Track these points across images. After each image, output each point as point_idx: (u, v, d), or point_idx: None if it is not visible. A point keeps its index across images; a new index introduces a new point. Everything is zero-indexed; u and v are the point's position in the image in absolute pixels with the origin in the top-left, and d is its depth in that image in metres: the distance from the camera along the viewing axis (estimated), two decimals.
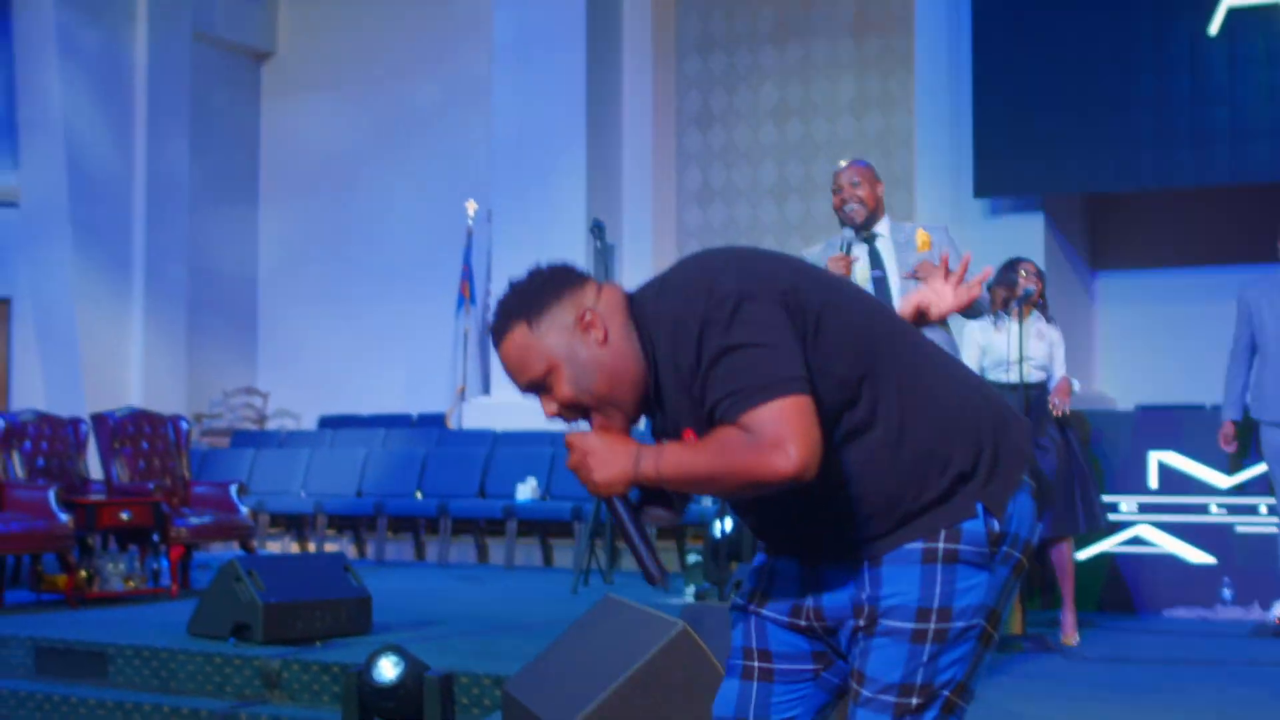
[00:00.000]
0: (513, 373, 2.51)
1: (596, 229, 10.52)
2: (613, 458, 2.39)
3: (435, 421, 14.97)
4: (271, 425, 16.49)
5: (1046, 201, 12.27)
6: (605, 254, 10.59)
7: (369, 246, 16.63)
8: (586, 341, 2.46)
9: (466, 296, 15.20)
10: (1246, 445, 8.20)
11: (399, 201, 16.49)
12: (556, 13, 14.59)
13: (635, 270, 13.78)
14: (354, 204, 16.80)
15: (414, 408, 15.65)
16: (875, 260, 6.04)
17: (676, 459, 2.33)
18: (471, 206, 15.20)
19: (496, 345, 2.52)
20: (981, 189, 12.09)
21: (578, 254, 14.45)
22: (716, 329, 2.31)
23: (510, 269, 14.56)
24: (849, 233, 6.05)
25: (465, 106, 16.07)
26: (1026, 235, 12.07)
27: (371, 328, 16.48)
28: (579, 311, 2.47)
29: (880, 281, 6.01)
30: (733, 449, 2.27)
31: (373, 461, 13.14)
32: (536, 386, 2.49)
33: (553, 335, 2.47)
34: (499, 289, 14.54)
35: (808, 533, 2.50)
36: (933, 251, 5.98)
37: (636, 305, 2.51)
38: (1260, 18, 11.06)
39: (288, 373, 16.91)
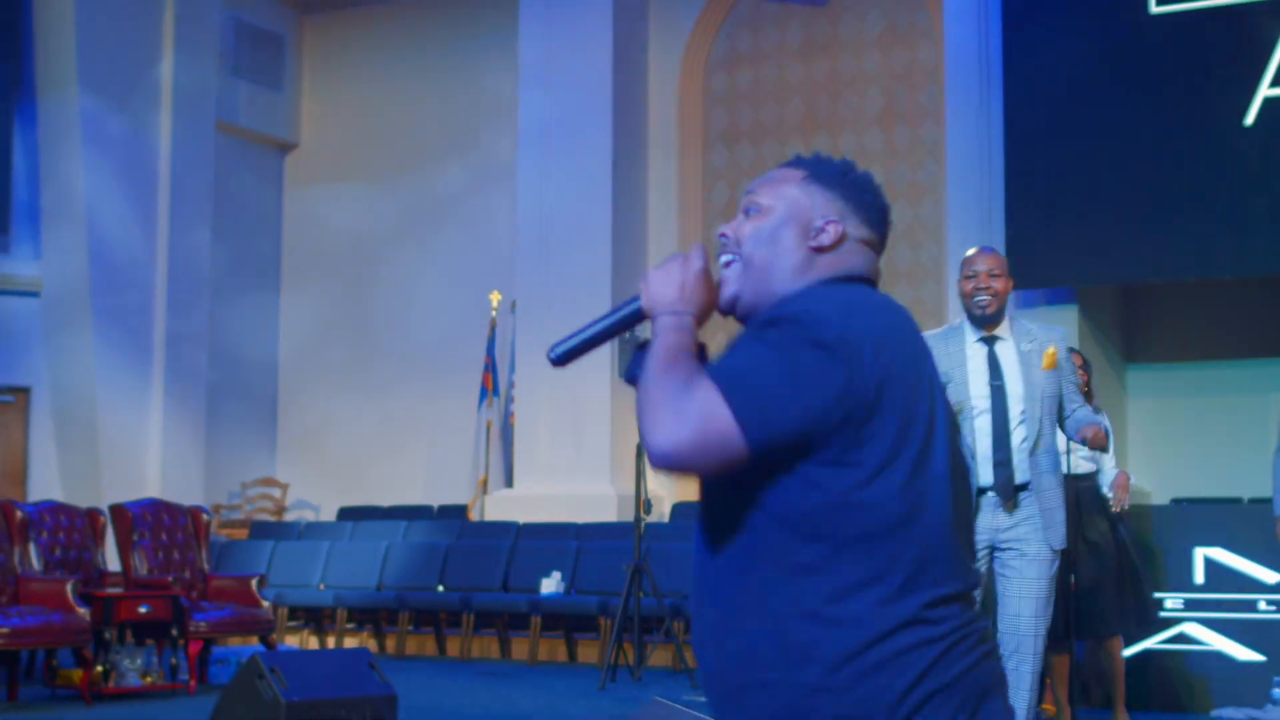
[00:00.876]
0: (756, 185, 2.42)
1: None
2: (668, 281, 2.29)
3: (457, 513, 14.77)
4: (290, 517, 16.29)
5: (1080, 293, 12.10)
6: (635, 342, 10.40)
7: (391, 334, 16.51)
8: (809, 232, 2.35)
9: (489, 388, 15.07)
10: None
11: (422, 289, 16.38)
12: (583, 99, 14.56)
13: None
14: (376, 291, 16.70)
15: (434, 499, 15.45)
16: (994, 368, 5.65)
17: (663, 344, 2.21)
18: (495, 297, 15.09)
19: (783, 164, 2.44)
20: (1015, 281, 11.89)
21: (603, 345, 14.30)
22: (768, 325, 2.17)
23: (534, 361, 14.47)
24: (968, 327, 5.73)
25: (490, 191, 16.00)
26: (1061, 325, 11.85)
27: (392, 418, 16.32)
28: (831, 216, 2.35)
29: (999, 391, 5.64)
30: (671, 383, 2.11)
31: (394, 553, 12.93)
32: (746, 208, 2.39)
33: (800, 198, 2.36)
34: (523, 380, 14.52)
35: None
36: (1054, 373, 5.63)
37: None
38: None
39: (307, 463, 16.74)
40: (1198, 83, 11.29)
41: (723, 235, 2.40)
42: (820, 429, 2.10)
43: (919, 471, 2.17)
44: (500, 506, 14.35)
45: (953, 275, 12.47)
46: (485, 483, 14.78)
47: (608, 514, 13.81)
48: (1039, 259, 11.79)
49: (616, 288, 14.35)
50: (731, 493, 2.20)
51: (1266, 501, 7.98)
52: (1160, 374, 12.84)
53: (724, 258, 2.39)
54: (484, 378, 15.06)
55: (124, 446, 15.04)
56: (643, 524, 10.51)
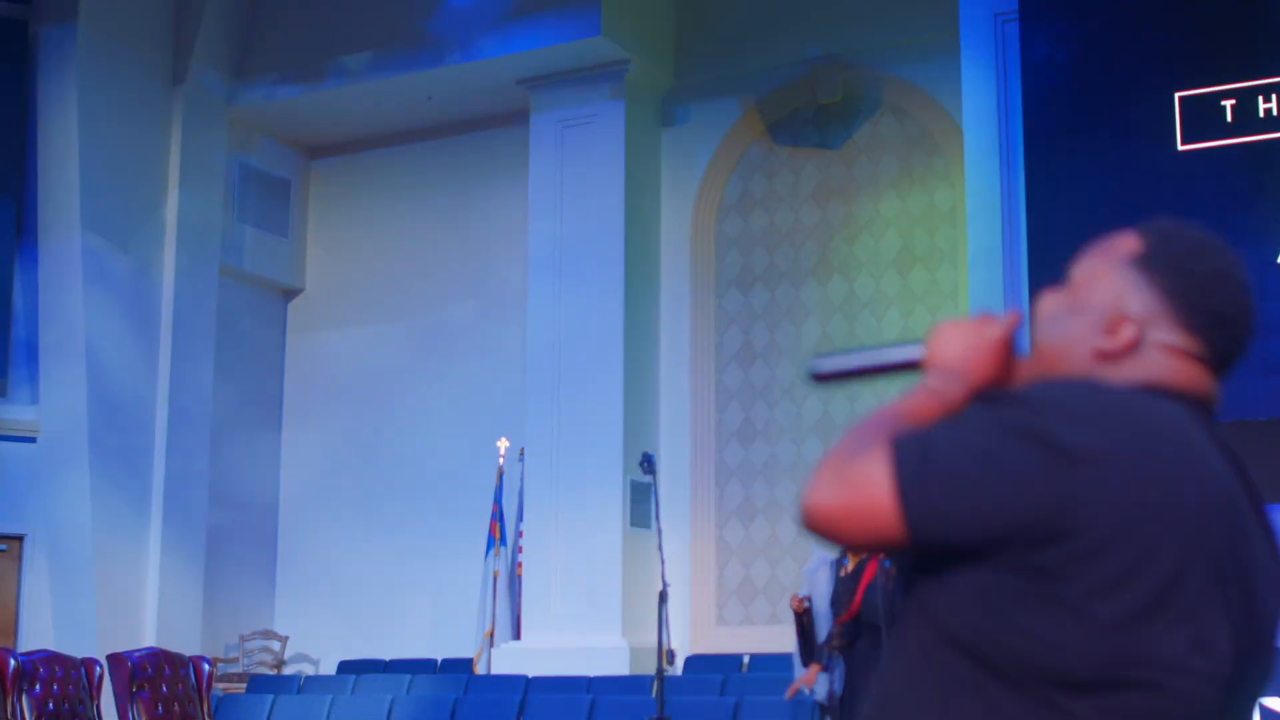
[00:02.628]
0: (1094, 247, 2.04)
1: (646, 462, 10.05)
2: (953, 346, 1.94)
3: (462, 667, 14.32)
4: (289, 670, 15.79)
5: None
6: (654, 488, 10.11)
7: (394, 479, 16.12)
8: (1099, 327, 1.95)
9: (497, 537, 14.67)
10: None
11: (428, 435, 16.04)
12: (594, 241, 14.48)
13: (671, 509, 13.26)
14: (380, 436, 16.35)
15: (438, 652, 14.99)
16: None
17: (900, 402, 1.89)
18: (503, 444, 14.77)
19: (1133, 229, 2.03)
20: None
21: (614, 491, 14.01)
22: (995, 401, 1.81)
23: (543, 509, 14.12)
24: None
25: (501, 323, 15.73)
26: None
27: (395, 566, 15.89)
28: (1136, 311, 1.93)
29: None
30: (857, 439, 1.79)
31: (399, 708, 12.43)
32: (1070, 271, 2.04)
33: (1113, 281, 1.96)
34: (532, 530, 14.16)
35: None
36: None
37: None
38: None
39: (307, 612, 16.27)
40: (1226, 220, 11.08)
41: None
42: (1007, 534, 1.70)
43: (1161, 640, 1.73)
44: (508, 659, 13.91)
45: None
46: (492, 635, 14.33)
47: (620, 667, 13.39)
48: None
49: (629, 433, 14.07)
50: (907, 584, 1.85)
51: None
52: None
53: (984, 322, 2.02)
54: (491, 526, 14.68)
55: (120, 594, 14.62)
56: (663, 676, 10.07)
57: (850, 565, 8.34)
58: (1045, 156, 11.68)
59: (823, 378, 2.11)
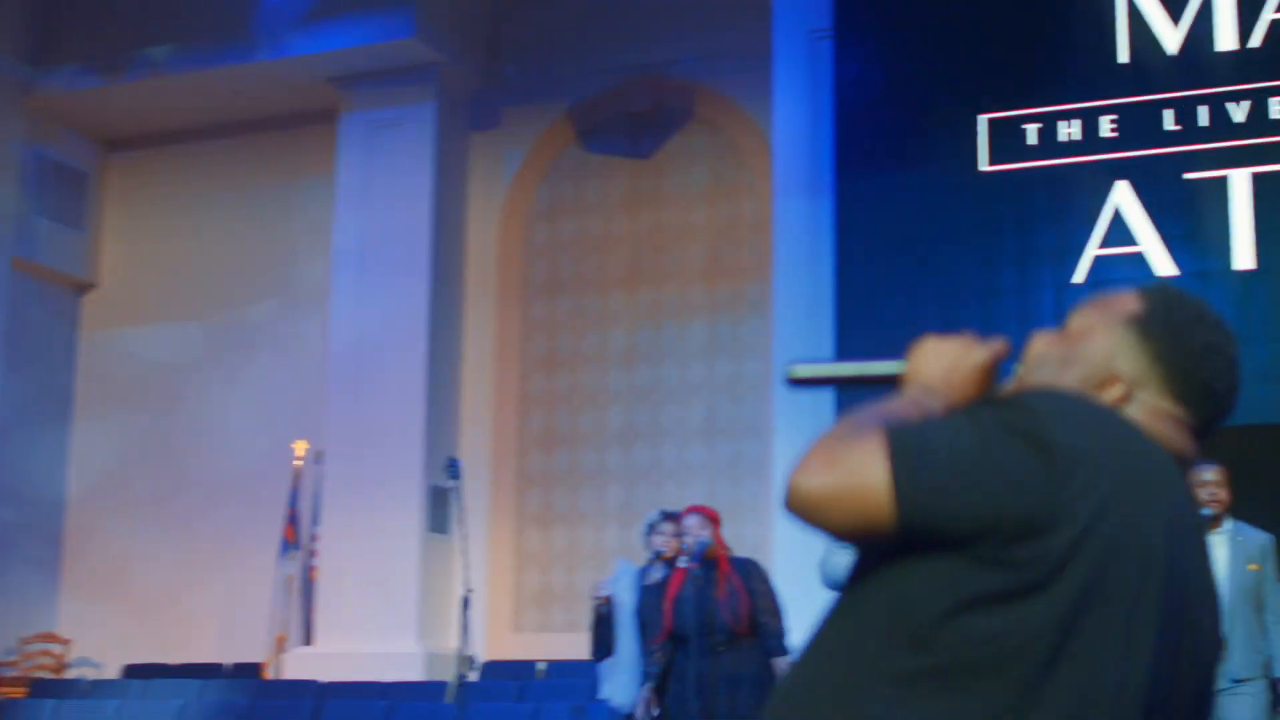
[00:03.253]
0: (1096, 298, 2.08)
1: (452, 467, 9.94)
2: (937, 363, 2.02)
3: (252, 672, 14.02)
4: (71, 674, 15.31)
5: None
6: (459, 494, 9.99)
7: (187, 478, 15.71)
8: (1083, 383, 1.99)
9: (291, 540, 14.42)
10: None
11: (223, 434, 15.67)
12: (399, 245, 14.36)
13: (470, 514, 13.14)
14: (174, 435, 15.93)
15: (227, 657, 14.65)
16: None
17: (885, 403, 1.90)
18: (300, 447, 14.52)
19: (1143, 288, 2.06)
20: None
21: (412, 495, 13.86)
22: (988, 402, 1.86)
23: (340, 512, 13.90)
24: None
25: (301, 321, 15.44)
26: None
27: (185, 568, 15.50)
28: (1120, 371, 1.98)
29: None
30: (848, 426, 1.80)
31: (188, 715, 12.12)
32: (1069, 318, 2.07)
33: (1106, 338, 2.00)
34: (328, 533, 13.93)
35: None
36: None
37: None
38: (1127, 264, 11.02)
39: (93, 614, 15.78)
40: (1026, 241, 11.35)
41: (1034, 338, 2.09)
42: (992, 531, 1.72)
43: (1105, 635, 1.76)
44: (300, 664, 13.66)
45: (780, 428, 12.30)
46: (284, 640, 14.07)
47: (415, 673, 13.24)
48: None
49: (430, 437, 13.95)
50: (870, 579, 1.82)
51: None
52: None
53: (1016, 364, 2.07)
54: (285, 530, 14.41)
55: None
56: (463, 683, 9.96)
57: (656, 574, 8.33)
58: (854, 173, 11.83)
59: (799, 381, 2.11)
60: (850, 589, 1.85)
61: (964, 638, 1.71)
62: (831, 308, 11.91)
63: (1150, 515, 1.80)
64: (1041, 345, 2.05)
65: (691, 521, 7.74)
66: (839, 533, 1.75)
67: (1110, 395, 1.94)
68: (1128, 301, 2.02)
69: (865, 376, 2.12)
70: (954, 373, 1.97)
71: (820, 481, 1.72)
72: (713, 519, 7.80)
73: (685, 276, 14.19)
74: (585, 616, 13.81)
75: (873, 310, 11.67)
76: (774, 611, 7.78)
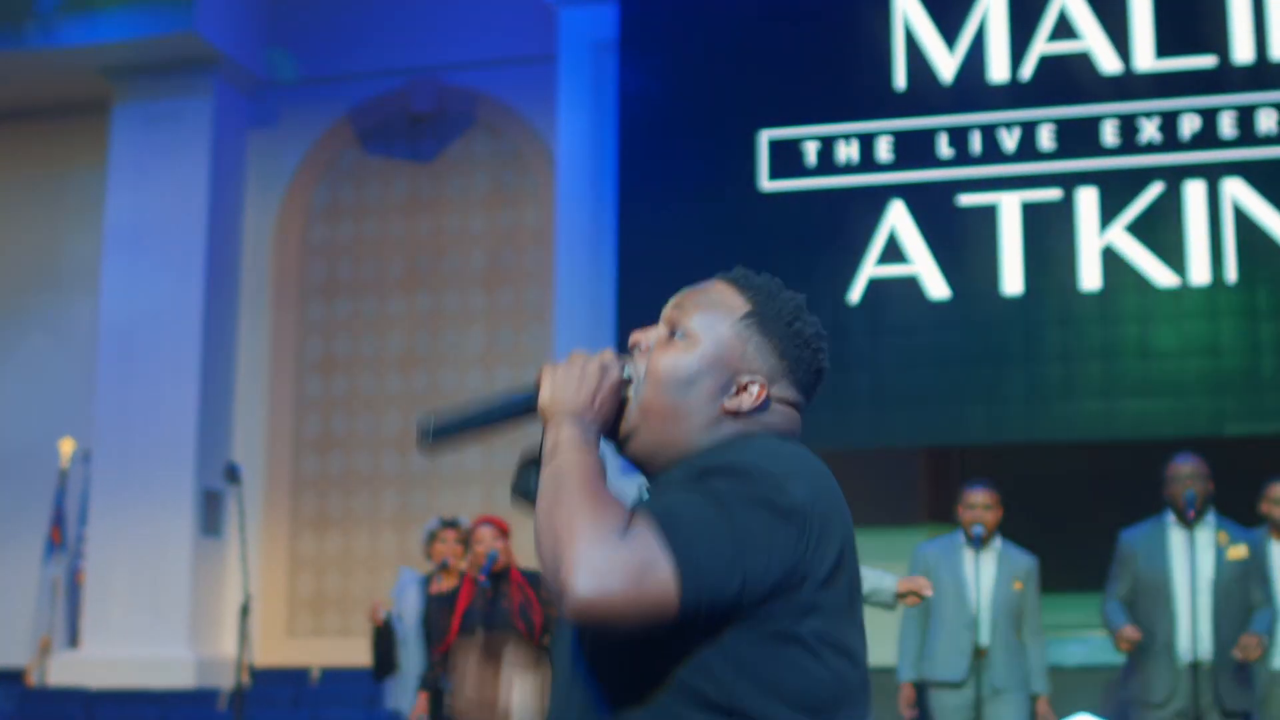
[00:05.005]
0: (688, 295, 2.20)
1: (231, 471, 9.86)
2: (582, 384, 2.07)
3: (13, 678, 13.64)
4: None
5: None
6: (239, 498, 9.89)
7: None
8: (727, 389, 2.09)
9: (57, 542, 14.04)
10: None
11: None
12: (173, 249, 14.01)
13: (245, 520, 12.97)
14: None
15: None
16: None
17: (575, 461, 1.93)
18: (67, 446, 14.15)
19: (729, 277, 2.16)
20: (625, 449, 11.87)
21: (184, 498, 13.62)
22: (709, 473, 1.92)
23: (108, 513, 13.58)
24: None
25: (70, 319, 15.01)
26: None
27: None
28: (757, 371, 2.09)
29: None
30: (601, 517, 1.83)
31: None
32: (671, 322, 2.15)
33: (733, 342, 2.10)
34: (96, 535, 13.58)
35: None
36: None
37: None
38: (901, 285, 11.35)
39: None
40: (804, 260, 11.60)
41: (635, 346, 2.13)
42: (758, 598, 1.85)
43: (854, 655, 1.96)
44: (65, 671, 13.32)
45: None
46: (48, 644, 13.71)
47: (185, 680, 13.02)
48: None
49: (202, 438, 13.70)
50: (633, 657, 1.90)
51: None
52: None
53: (626, 371, 2.11)
54: (51, 530, 14.03)
55: None
56: (241, 693, 9.85)
57: (443, 584, 8.36)
58: (637, 186, 11.97)
59: (436, 438, 2.10)
60: (601, 689, 1.94)
61: (773, 691, 1.86)
62: (612, 319, 12.04)
63: (848, 523, 2.01)
64: (665, 359, 2.10)
65: (485, 533, 7.79)
66: (630, 630, 1.82)
67: (752, 397, 2.06)
68: (729, 296, 2.16)
69: (502, 414, 2.12)
70: (597, 397, 2.07)
71: (611, 584, 1.78)
72: (504, 530, 7.86)
73: (465, 282, 14.18)
74: (360, 622, 13.78)
75: (652, 322, 11.80)
76: None
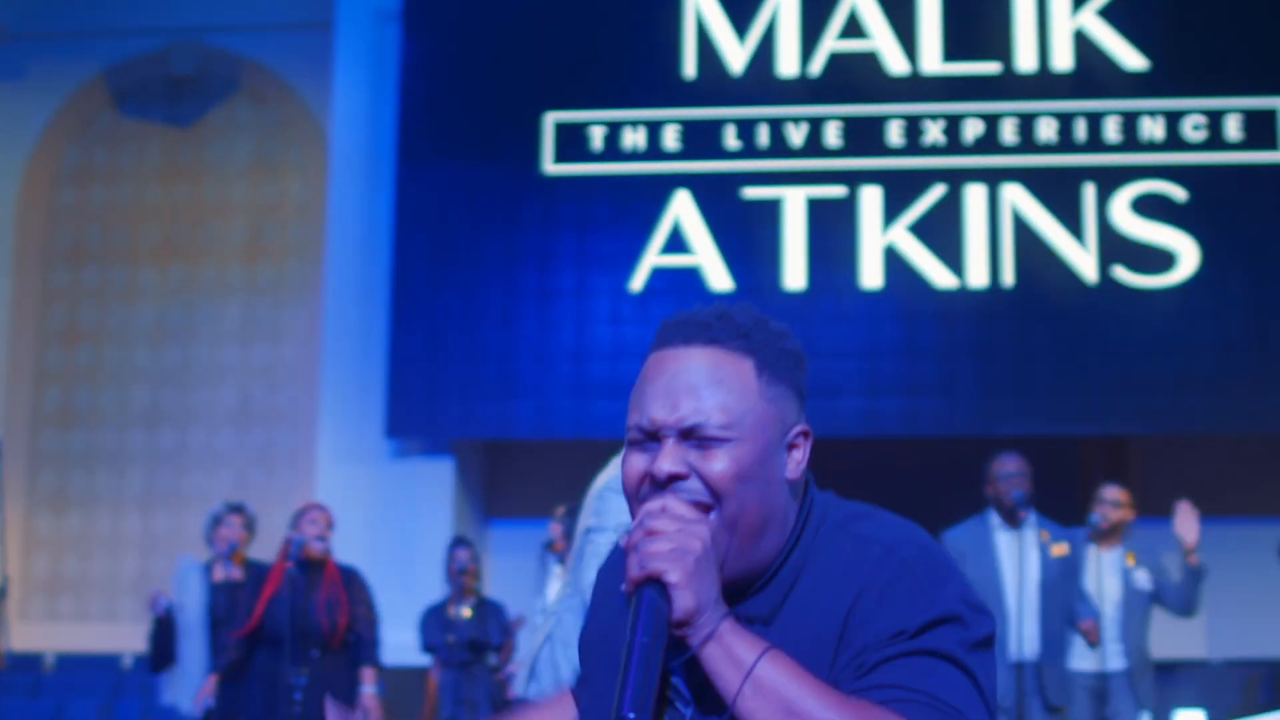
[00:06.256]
0: (678, 389, 1.76)
1: None
2: (704, 562, 1.70)
3: None
4: None
5: (454, 446, 11.90)
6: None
7: None
8: (784, 459, 1.81)
9: None
10: None
11: None
12: None
13: None
14: None
15: None
16: None
17: (784, 664, 1.68)
18: None
19: (677, 340, 1.80)
20: (395, 429, 11.57)
21: None
22: (934, 625, 1.74)
23: None
24: None
25: None
26: (435, 480, 11.69)
27: None
28: (795, 421, 1.82)
29: None
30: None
31: None
32: (688, 429, 1.76)
33: (769, 408, 1.78)
34: None
35: None
36: None
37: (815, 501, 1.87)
38: (683, 275, 11.26)
39: None
40: (586, 245, 11.44)
41: (678, 479, 1.76)
42: None
43: None
44: None
45: (325, 418, 11.99)
46: None
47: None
48: (418, 409, 11.52)
49: None
50: None
51: None
52: (519, 531, 12.79)
53: (682, 510, 1.74)
54: None
55: None
56: None
57: (235, 572, 7.96)
58: (417, 162, 11.65)
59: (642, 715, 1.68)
60: None
61: None
62: (386, 298, 11.70)
63: None
64: (721, 470, 1.76)
65: (315, 517, 7.44)
66: None
67: (803, 451, 1.85)
68: (728, 362, 1.82)
69: (660, 648, 1.69)
70: (717, 570, 1.75)
71: None
72: (328, 520, 7.52)
73: (223, 254, 13.60)
74: (98, 606, 13.14)
75: (428, 302, 11.52)
76: (372, 622, 7.60)
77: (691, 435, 1.76)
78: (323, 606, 7.28)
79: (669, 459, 1.75)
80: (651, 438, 1.80)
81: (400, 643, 9.20)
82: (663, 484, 1.76)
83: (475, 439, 12.08)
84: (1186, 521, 7.78)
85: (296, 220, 13.48)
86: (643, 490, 1.79)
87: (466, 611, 9.37)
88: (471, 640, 9.25)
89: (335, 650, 7.40)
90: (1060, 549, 7.25)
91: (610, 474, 5.02)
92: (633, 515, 1.79)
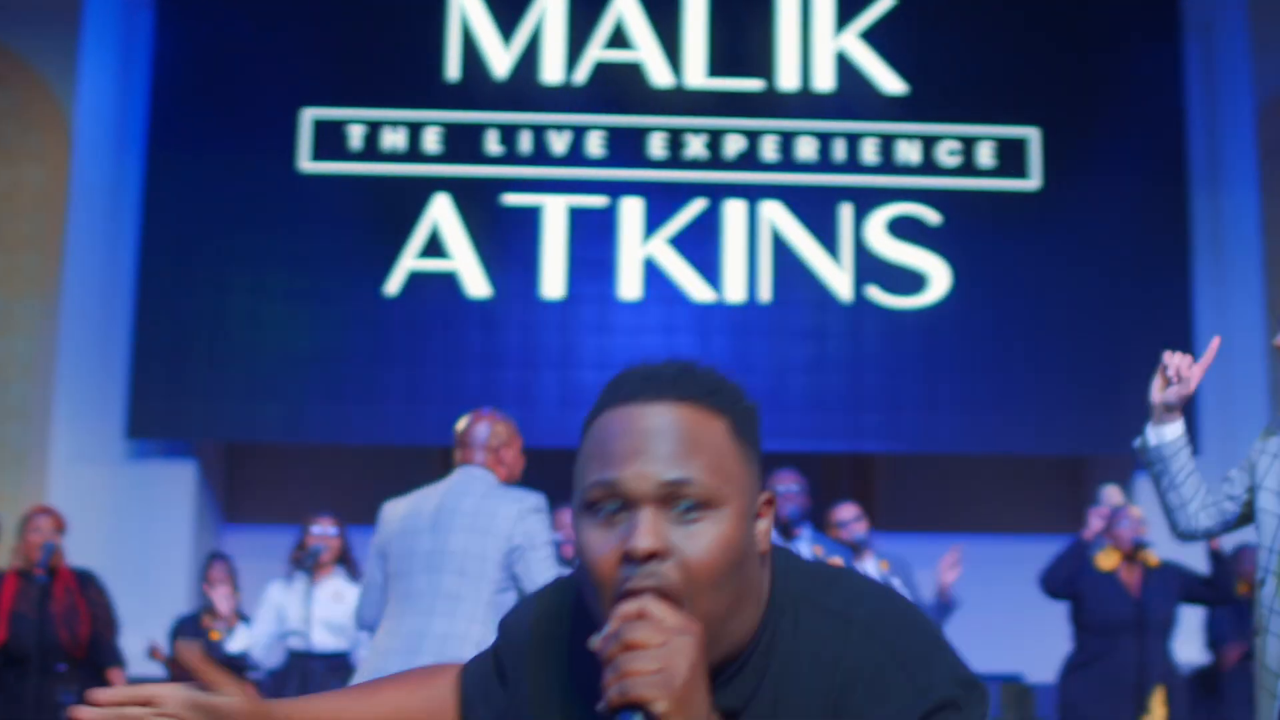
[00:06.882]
0: (654, 448, 1.57)
1: None
2: (694, 683, 1.49)
3: None
4: None
5: (197, 448, 11.52)
6: None
7: None
8: (758, 527, 1.65)
9: None
10: None
11: None
12: None
13: None
14: None
15: None
16: None
17: None
18: None
19: (641, 395, 1.61)
20: (136, 429, 11.14)
21: None
22: (936, 716, 1.60)
23: None
24: None
25: None
26: (176, 482, 11.31)
27: None
28: (760, 487, 1.66)
29: None
30: None
31: None
32: (668, 494, 1.56)
33: (744, 472, 1.62)
34: None
35: None
36: None
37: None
38: (440, 280, 11.09)
39: None
40: (341, 246, 11.19)
41: (653, 557, 1.56)
42: None
43: None
44: None
45: (61, 416, 11.51)
46: None
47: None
48: (160, 409, 11.12)
49: None
50: None
51: None
52: (258, 536, 12.44)
53: (664, 616, 1.53)
54: None
55: None
56: None
57: None
58: (167, 155, 11.25)
59: None
60: None
61: None
62: (130, 292, 11.28)
63: None
64: (706, 549, 1.57)
65: (42, 522, 7.04)
66: None
67: (769, 517, 1.69)
68: (706, 422, 1.63)
69: None
70: (702, 675, 1.55)
71: None
72: (59, 523, 7.14)
73: None
74: None
75: (174, 299, 11.14)
76: (110, 623, 7.25)
77: (672, 501, 1.57)
78: (61, 618, 6.91)
79: (649, 534, 1.55)
80: (619, 503, 1.59)
81: (139, 651, 8.84)
82: (640, 561, 1.55)
83: (219, 441, 11.71)
84: (949, 570, 7.94)
85: (33, 211, 12.86)
86: (614, 574, 1.58)
87: (219, 626, 9.04)
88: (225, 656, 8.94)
89: (81, 662, 7.03)
90: (836, 563, 7.28)
91: (524, 499, 5.01)
92: (600, 608, 1.59)
